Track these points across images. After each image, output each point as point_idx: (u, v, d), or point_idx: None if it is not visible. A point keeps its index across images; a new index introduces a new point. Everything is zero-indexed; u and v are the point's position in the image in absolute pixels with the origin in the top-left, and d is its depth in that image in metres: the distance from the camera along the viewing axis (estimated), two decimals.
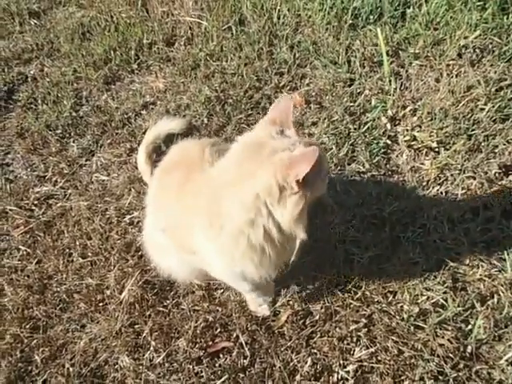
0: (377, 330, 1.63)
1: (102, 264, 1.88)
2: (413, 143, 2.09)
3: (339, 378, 1.56)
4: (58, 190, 2.16)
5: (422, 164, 2.03)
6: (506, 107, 2.10)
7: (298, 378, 1.57)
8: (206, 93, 2.38)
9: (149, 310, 1.75)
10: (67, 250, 1.95)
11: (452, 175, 1.97)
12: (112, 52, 2.69)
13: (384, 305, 1.68)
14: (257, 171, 1.11)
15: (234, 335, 1.67)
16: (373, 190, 1.96)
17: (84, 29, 2.91)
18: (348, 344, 1.62)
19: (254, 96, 2.37)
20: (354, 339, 1.63)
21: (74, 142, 2.35)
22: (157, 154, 1.99)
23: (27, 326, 1.76)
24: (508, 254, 1.72)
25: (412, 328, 1.62)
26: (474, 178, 1.94)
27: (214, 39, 2.65)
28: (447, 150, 2.04)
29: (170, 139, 2.08)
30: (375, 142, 2.11)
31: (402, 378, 1.54)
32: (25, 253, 1.96)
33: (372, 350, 1.59)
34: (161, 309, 1.75)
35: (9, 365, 1.67)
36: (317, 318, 1.68)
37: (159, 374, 1.61)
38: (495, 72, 2.23)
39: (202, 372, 1.60)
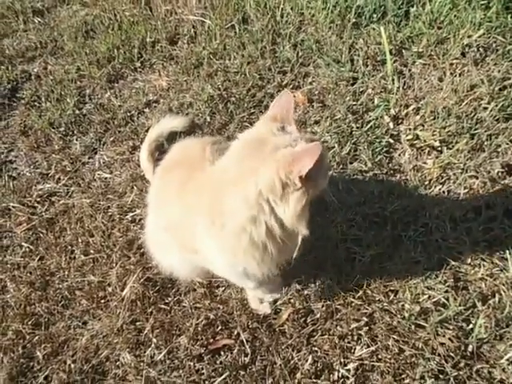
0: (378, 328, 1.63)
1: (104, 261, 1.89)
2: (415, 142, 2.09)
3: (340, 376, 1.56)
4: (60, 188, 2.17)
5: (425, 163, 2.03)
6: (510, 106, 2.09)
7: (298, 375, 1.57)
8: (208, 91, 2.39)
9: (150, 308, 1.75)
10: (69, 247, 1.96)
11: (454, 174, 1.97)
12: (115, 50, 2.70)
13: (385, 303, 1.68)
14: (259, 168, 1.11)
15: (235, 333, 1.67)
16: (375, 188, 1.96)
17: (87, 27, 2.92)
18: (349, 342, 1.62)
19: (256, 94, 2.37)
20: (355, 337, 1.63)
21: (76, 139, 2.36)
22: (159, 152, 2.00)
23: (29, 323, 1.77)
24: (510, 254, 1.72)
25: (413, 327, 1.62)
26: (477, 178, 1.94)
27: (217, 38, 2.65)
28: (450, 149, 2.03)
29: (172, 137, 2.09)
30: (378, 140, 2.11)
31: (403, 376, 1.54)
32: (27, 250, 1.97)
33: (373, 348, 1.59)
34: (162, 306, 1.75)
35: (11, 361, 1.68)
36: (318, 316, 1.69)
37: (160, 370, 1.61)
38: (499, 71, 2.22)
39: (202, 369, 1.61)
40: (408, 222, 1.86)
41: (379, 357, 1.58)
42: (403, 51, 2.43)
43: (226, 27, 2.69)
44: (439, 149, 2.05)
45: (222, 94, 2.39)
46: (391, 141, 2.12)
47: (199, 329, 1.69)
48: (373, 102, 2.25)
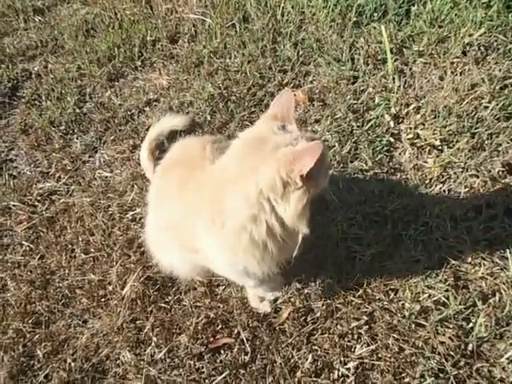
0: (378, 327, 1.64)
1: (105, 260, 1.89)
2: (416, 141, 2.09)
3: (340, 374, 1.56)
4: (61, 186, 2.17)
5: (425, 162, 2.03)
6: (510, 105, 2.09)
7: (298, 374, 1.57)
8: (209, 90, 2.38)
9: (150, 306, 1.75)
10: (70, 246, 1.96)
11: (455, 173, 1.97)
12: (116, 49, 2.69)
13: (385, 302, 1.68)
14: (260, 167, 1.11)
15: (235, 331, 1.68)
16: (375, 187, 1.96)
17: (88, 26, 2.91)
18: (349, 341, 1.62)
19: (257, 93, 2.37)
20: (355, 336, 1.63)
21: (77, 138, 2.36)
22: (160, 150, 2.00)
23: (30, 321, 1.77)
24: (510, 253, 1.72)
25: (413, 326, 1.62)
26: (477, 177, 1.94)
27: (217, 36, 2.65)
28: (450, 148, 2.03)
29: (173, 136, 2.09)
30: (378, 139, 2.11)
31: (403, 375, 1.54)
32: (28, 248, 1.97)
33: (373, 347, 1.60)
34: (162, 305, 1.76)
35: (11, 359, 1.69)
36: (318, 315, 1.69)
37: (160, 369, 1.62)
38: (500, 70, 2.21)
39: (203, 368, 1.61)
40: (408, 221, 1.86)
41: (379, 356, 1.59)
42: (404, 50, 2.42)
43: (226, 26, 2.68)
44: (440, 148, 2.05)
45: (223, 92, 2.39)
46: (392, 140, 2.12)
47: (199, 327, 1.69)
48: (373, 101, 2.25)
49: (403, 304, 1.67)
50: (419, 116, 2.16)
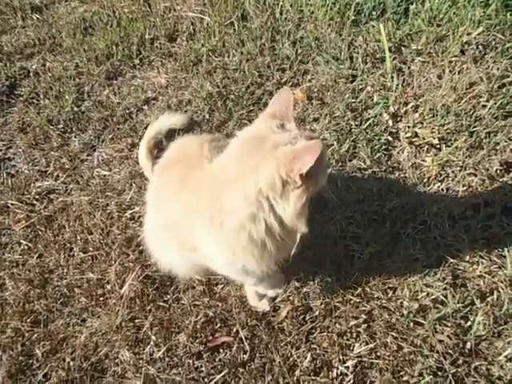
0: (376, 325, 1.64)
1: (103, 259, 1.89)
2: (414, 140, 2.09)
3: (338, 373, 1.56)
4: (59, 185, 2.16)
5: (424, 161, 2.03)
6: (508, 104, 2.10)
7: (297, 373, 1.57)
8: (207, 88, 2.38)
9: (149, 305, 1.75)
10: (68, 245, 1.95)
11: (453, 172, 1.97)
12: (114, 47, 2.68)
13: (384, 301, 1.68)
14: (259, 166, 1.11)
15: (234, 330, 1.68)
16: (374, 186, 1.96)
17: (86, 24, 2.90)
18: (348, 340, 1.63)
19: (255, 92, 2.37)
20: (354, 335, 1.64)
21: (75, 136, 2.35)
22: (158, 149, 2.00)
23: (28, 320, 1.77)
24: (508, 251, 1.72)
25: (411, 324, 1.63)
26: (476, 175, 1.94)
27: (216, 35, 2.64)
28: (449, 146, 2.04)
29: (171, 134, 2.09)
30: (377, 138, 2.11)
31: (402, 373, 1.54)
32: (26, 247, 1.97)
33: (371, 345, 1.60)
34: (161, 303, 1.76)
35: (10, 358, 1.69)
36: (317, 313, 1.69)
37: (159, 368, 1.62)
38: (498, 69, 2.22)
39: (201, 366, 1.61)
40: (407, 220, 1.86)
41: (378, 354, 1.59)
42: (402, 49, 2.42)
43: (225, 24, 2.68)
44: (438, 146, 2.06)
45: (221, 91, 2.38)
46: (390, 138, 2.12)
47: (198, 326, 1.69)
48: (372, 100, 2.25)
49: (401, 302, 1.67)
50: (417, 115, 2.16)
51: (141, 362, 1.63)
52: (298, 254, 1.37)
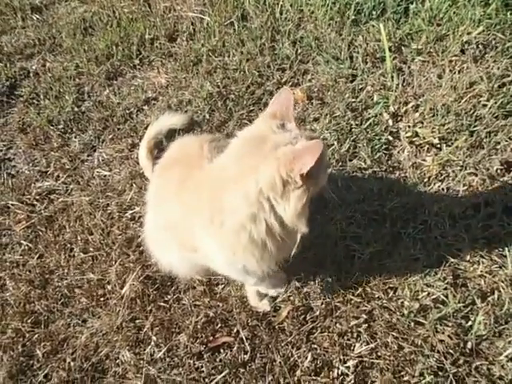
0: (377, 325, 1.64)
1: (104, 259, 1.89)
2: (414, 139, 2.09)
3: (339, 373, 1.56)
4: (59, 185, 2.16)
5: (424, 160, 2.03)
6: (509, 103, 2.09)
7: (298, 373, 1.57)
8: (207, 88, 2.38)
9: (150, 305, 1.75)
10: (69, 245, 1.95)
11: (453, 171, 1.97)
12: (114, 47, 2.68)
13: (384, 301, 1.68)
14: (259, 166, 1.11)
15: (235, 330, 1.68)
16: (374, 186, 1.96)
17: (86, 24, 2.90)
18: (348, 339, 1.63)
19: (255, 92, 2.36)
20: (355, 335, 1.64)
21: (75, 137, 2.35)
22: (158, 149, 2.00)
23: (29, 321, 1.77)
24: (509, 251, 1.72)
25: (412, 324, 1.63)
26: (476, 175, 1.94)
27: (216, 35, 2.64)
28: (449, 146, 2.03)
29: (171, 135, 2.09)
30: (377, 138, 2.11)
31: (402, 373, 1.54)
32: (26, 248, 1.97)
33: (372, 345, 1.60)
34: (162, 304, 1.76)
35: (10, 359, 1.69)
36: (317, 313, 1.69)
37: (160, 368, 1.62)
38: (498, 68, 2.21)
39: (202, 367, 1.61)
40: (407, 220, 1.86)
41: (379, 354, 1.59)
42: (402, 48, 2.42)
43: (224, 24, 2.68)
44: (438, 146, 2.05)
45: (221, 91, 2.38)
46: (390, 138, 2.12)
47: (199, 326, 1.69)
48: (372, 99, 2.25)
49: (402, 302, 1.67)
50: (418, 114, 2.16)
51: (141, 362, 1.63)
52: (298, 254, 1.38)
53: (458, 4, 2.45)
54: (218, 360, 1.63)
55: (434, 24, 2.44)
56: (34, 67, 2.73)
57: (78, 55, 2.71)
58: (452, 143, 2.04)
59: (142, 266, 1.83)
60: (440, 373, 1.53)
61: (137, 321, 1.73)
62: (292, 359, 1.60)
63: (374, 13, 2.55)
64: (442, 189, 1.94)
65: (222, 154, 1.25)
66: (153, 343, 1.67)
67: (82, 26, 2.89)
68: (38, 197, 2.13)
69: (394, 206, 1.88)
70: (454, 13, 2.43)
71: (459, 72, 2.25)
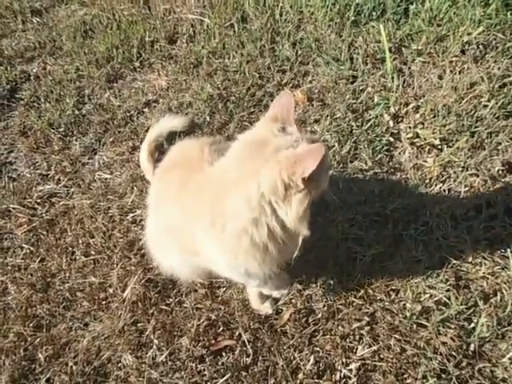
0: (379, 328, 1.63)
1: (105, 262, 1.88)
2: (415, 140, 2.09)
3: (342, 376, 1.56)
4: (60, 189, 2.16)
5: (425, 161, 2.03)
6: (510, 104, 2.09)
7: (300, 376, 1.57)
8: (208, 90, 2.38)
9: (151, 309, 1.75)
10: (70, 249, 1.95)
11: (455, 172, 1.97)
12: (114, 50, 2.69)
13: (387, 303, 1.68)
14: (261, 170, 1.11)
15: (237, 333, 1.67)
16: (375, 187, 1.96)
17: (86, 27, 2.90)
18: (351, 342, 1.62)
19: (256, 93, 2.36)
20: (357, 337, 1.63)
21: (76, 140, 2.35)
22: (159, 152, 2.00)
23: (31, 325, 1.76)
24: (511, 252, 1.72)
25: (415, 326, 1.62)
26: (477, 176, 1.94)
27: (216, 37, 2.64)
28: (450, 147, 2.03)
29: (172, 137, 2.09)
30: (378, 139, 2.11)
31: (405, 376, 1.54)
32: (28, 251, 1.97)
33: (375, 348, 1.59)
34: (163, 307, 1.75)
35: (12, 363, 1.68)
36: (319, 316, 1.69)
37: (162, 372, 1.61)
38: (499, 68, 2.21)
39: (204, 370, 1.61)
40: (409, 221, 1.86)
41: (381, 356, 1.59)
42: (403, 49, 2.42)
43: (224, 26, 2.68)
44: (439, 147, 2.05)
45: (222, 93, 2.38)
46: (391, 139, 2.12)
47: (201, 330, 1.69)
48: (373, 101, 2.25)
49: (404, 304, 1.67)
50: (418, 115, 2.15)
51: (143, 366, 1.63)
52: (300, 257, 1.38)
53: (458, 4, 2.45)
54: (220, 363, 1.62)
55: (434, 24, 2.44)
56: (34, 70, 2.74)
57: (79, 58, 2.72)
58: (453, 144, 2.03)
59: (143, 269, 1.83)
60: (443, 375, 1.52)
61: (139, 324, 1.73)
62: (294, 362, 1.60)
63: (373, 14, 2.55)
64: (444, 190, 1.93)
65: (223, 157, 1.25)
66: (155, 347, 1.67)
67: (82, 28, 2.89)
68: (39, 200, 2.13)
69: (395, 207, 1.88)
70: (454, 13, 2.43)
71: (460, 72, 2.25)
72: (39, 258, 1.94)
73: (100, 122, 2.39)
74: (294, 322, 1.68)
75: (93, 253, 1.92)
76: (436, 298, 1.66)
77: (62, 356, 1.69)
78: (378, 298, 1.70)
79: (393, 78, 2.28)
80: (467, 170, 1.95)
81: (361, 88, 2.31)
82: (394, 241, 1.81)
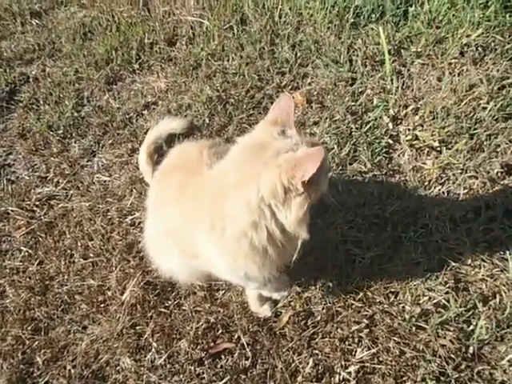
0: (378, 330, 1.63)
1: (104, 265, 1.88)
2: (415, 142, 2.09)
3: (341, 379, 1.56)
4: (59, 191, 2.16)
5: (424, 163, 2.02)
6: (509, 106, 2.09)
7: (299, 379, 1.56)
8: (207, 92, 2.38)
9: (150, 311, 1.75)
10: (69, 251, 1.95)
11: (454, 175, 1.97)
12: (113, 52, 2.68)
13: (386, 305, 1.67)
14: (260, 173, 1.10)
15: (236, 336, 1.67)
16: (374, 189, 1.95)
17: (85, 29, 2.90)
18: (350, 345, 1.62)
19: (255, 96, 2.36)
20: (356, 340, 1.63)
21: (75, 142, 2.35)
22: (158, 154, 1.99)
23: (29, 328, 1.76)
24: (510, 254, 1.72)
25: (414, 329, 1.62)
26: (476, 178, 1.94)
27: (215, 39, 2.64)
28: (449, 149, 2.03)
29: (171, 139, 2.08)
30: (377, 141, 2.11)
31: (404, 378, 1.54)
32: (26, 254, 1.96)
33: (374, 350, 1.59)
34: (162, 310, 1.75)
35: (10, 366, 1.68)
36: (318, 318, 1.68)
37: (161, 375, 1.61)
38: (498, 70, 2.21)
39: (203, 373, 1.60)
40: (408, 223, 1.85)
41: (380, 359, 1.58)
42: (402, 51, 2.42)
43: (224, 28, 2.68)
44: (438, 149, 2.05)
45: (221, 95, 2.38)
46: (390, 141, 2.12)
47: (199, 332, 1.68)
48: (372, 103, 2.25)
49: (403, 307, 1.67)
50: (418, 117, 2.15)
51: (142, 369, 1.63)
52: (299, 259, 1.37)
53: (457, 6, 2.45)
54: (219, 366, 1.62)
55: (433, 27, 2.44)
56: (33, 72, 2.74)
57: (78, 60, 2.72)
58: (452, 146, 2.03)
59: (142, 271, 1.83)
60: (442, 378, 1.52)
61: (137, 327, 1.72)
62: (293, 365, 1.59)
63: (373, 16, 2.55)
64: (443, 192, 1.93)
65: (222, 160, 1.25)
66: (153, 350, 1.66)
67: (81, 30, 2.89)
68: (37, 203, 2.13)
69: (394, 209, 1.88)
70: (453, 15, 2.43)
71: (459, 74, 2.25)
72: (37, 261, 1.94)
73: (99, 124, 2.39)
74: (293, 324, 1.67)
75: (91, 255, 1.91)
76: (435, 301, 1.66)
77: (61, 359, 1.69)
78: (377, 300, 1.69)
79: (392, 80, 2.28)
80: (466, 172, 1.95)
81: (360, 90, 2.31)
82: (393, 243, 1.81)
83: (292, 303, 1.72)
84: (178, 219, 1.36)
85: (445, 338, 1.58)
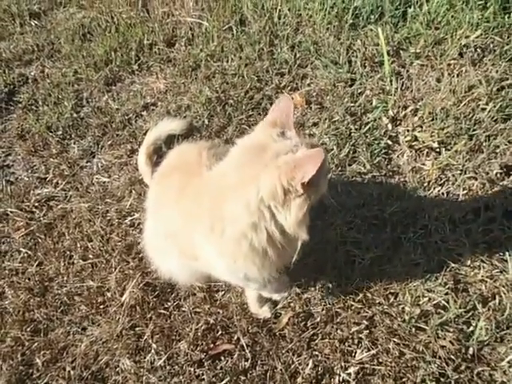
0: (378, 331, 1.63)
1: (103, 266, 1.88)
2: (414, 143, 2.09)
3: (340, 380, 1.56)
4: (58, 192, 2.16)
5: (423, 164, 2.03)
6: (508, 107, 2.09)
7: (299, 380, 1.56)
8: (206, 93, 2.38)
9: (150, 313, 1.75)
10: (68, 252, 1.95)
11: (453, 176, 1.97)
12: (112, 53, 2.68)
13: (385, 306, 1.67)
14: (260, 175, 1.11)
15: (235, 337, 1.67)
16: (374, 190, 1.95)
17: (84, 30, 2.90)
18: (349, 346, 1.62)
19: (254, 97, 2.36)
20: (356, 341, 1.63)
21: (74, 143, 2.35)
22: (157, 155, 1.99)
23: (28, 329, 1.76)
24: (510, 255, 1.72)
25: (413, 330, 1.62)
26: (476, 179, 1.94)
27: (214, 40, 2.64)
28: (448, 150, 2.03)
29: (170, 140, 2.08)
30: (376, 142, 2.11)
31: (404, 380, 1.54)
32: (26, 255, 1.96)
33: (373, 351, 1.59)
34: (162, 311, 1.75)
35: (10, 368, 1.68)
36: (318, 319, 1.68)
37: (160, 376, 1.61)
38: (497, 71, 2.22)
39: (203, 375, 1.60)
40: (407, 224, 1.85)
41: (380, 360, 1.58)
42: (401, 52, 2.42)
43: (223, 29, 2.68)
44: (438, 150, 2.05)
45: (220, 96, 2.38)
46: (390, 142, 2.12)
47: (199, 334, 1.68)
48: (371, 104, 2.25)
49: (403, 308, 1.67)
50: (417, 118, 2.15)
51: (142, 370, 1.62)
52: (298, 261, 1.37)
53: (455, 8, 2.45)
54: (218, 367, 1.62)
55: (432, 28, 2.44)
56: (32, 73, 2.73)
57: (77, 61, 2.71)
58: (451, 147, 2.03)
59: (141, 272, 1.83)
60: (442, 379, 1.52)
61: (137, 328, 1.72)
62: (293, 366, 1.59)
63: (372, 17, 2.55)
64: (442, 193, 1.93)
65: (222, 161, 1.25)
66: (153, 351, 1.66)
67: (80, 31, 2.89)
68: (37, 204, 2.13)
69: (393, 210, 1.88)
70: (452, 16, 2.43)
71: (458, 76, 2.25)
72: (37, 262, 1.93)
73: (98, 125, 2.38)
74: (292, 325, 1.67)
75: (91, 256, 1.91)
76: (435, 302, 1.66)
77: (60, 361, 1.69)
78: (377, 301, 1.69)
79: (391, 81, 2.28)
80: (465, 173, 1.95)
81: (359, 91, 2.31)
82: (392, 244, 1.81)
83: (292, 304, 1.72)
84: (177, 220, 1.35)
85: (444, 339, 1.58)
